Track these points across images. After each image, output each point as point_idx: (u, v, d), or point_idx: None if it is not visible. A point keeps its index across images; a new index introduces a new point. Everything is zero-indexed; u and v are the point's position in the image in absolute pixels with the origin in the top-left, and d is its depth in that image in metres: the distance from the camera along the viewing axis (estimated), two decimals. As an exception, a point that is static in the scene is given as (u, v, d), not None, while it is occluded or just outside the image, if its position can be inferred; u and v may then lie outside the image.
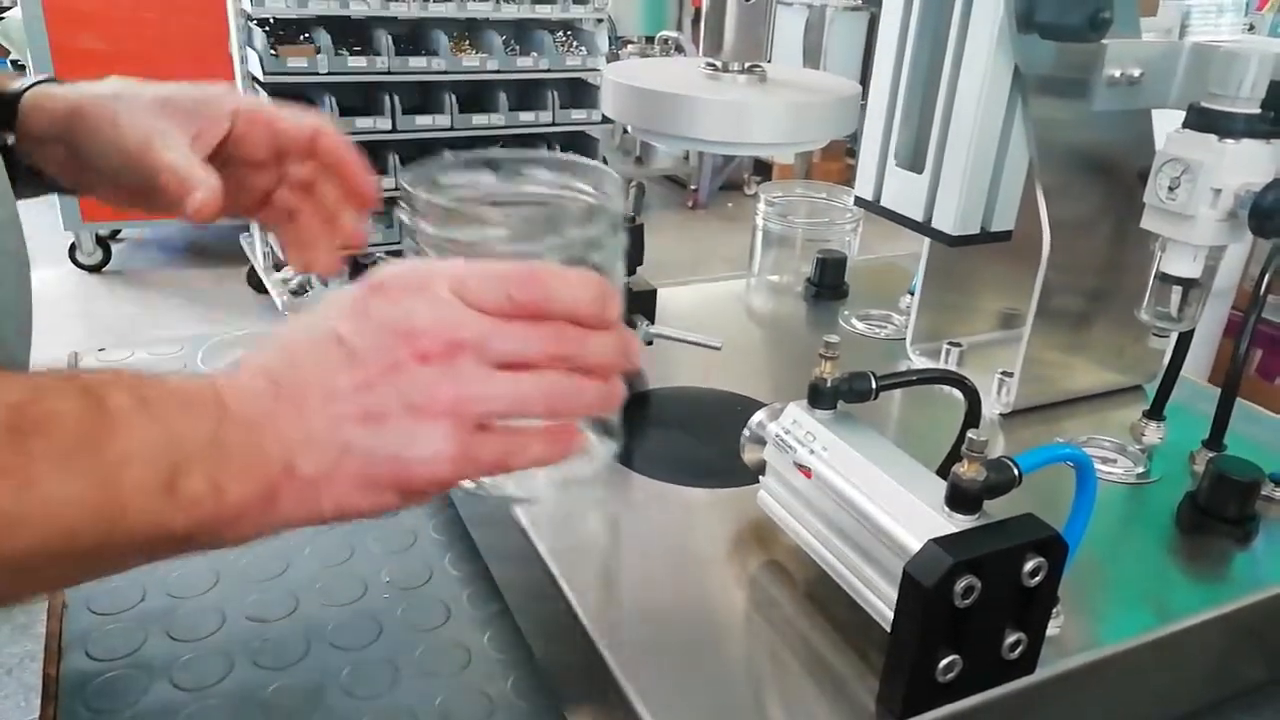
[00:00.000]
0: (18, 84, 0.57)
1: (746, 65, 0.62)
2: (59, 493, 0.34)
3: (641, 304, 0.71)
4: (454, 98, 3.13)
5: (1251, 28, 2.63)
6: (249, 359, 0.40)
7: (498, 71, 3.19)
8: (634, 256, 0.71)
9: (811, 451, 0.51)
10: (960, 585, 0.40)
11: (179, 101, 0.56)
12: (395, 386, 0.38)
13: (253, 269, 3.25)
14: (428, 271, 0.40)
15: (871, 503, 0.47)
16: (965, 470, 0.44)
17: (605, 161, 3.53)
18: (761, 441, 0.55)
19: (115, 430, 0.35)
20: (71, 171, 0.57)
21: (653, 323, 0.66)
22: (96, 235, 3.44)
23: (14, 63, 3.81)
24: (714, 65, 0.63)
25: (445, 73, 3.11)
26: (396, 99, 3.05)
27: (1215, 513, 0.59)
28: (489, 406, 0.39)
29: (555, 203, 0.54)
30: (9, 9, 3.71)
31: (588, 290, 0.41)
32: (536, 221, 0.52)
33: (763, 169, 4.85)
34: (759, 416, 0.56)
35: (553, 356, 0.40)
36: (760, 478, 0.56)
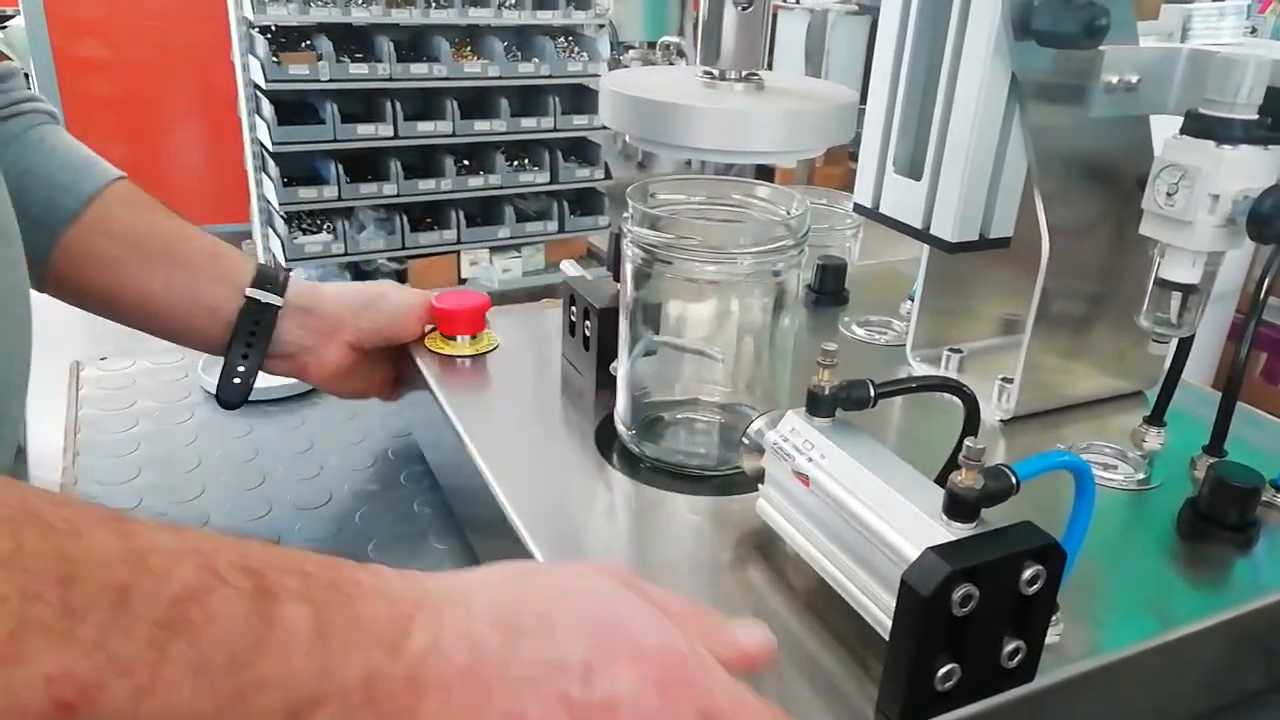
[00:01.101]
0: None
1: (744, 74, 0.62)
2: (177, 707, 0.30)
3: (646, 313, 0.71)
4: (456, 104, 3.14)
5: (1254, 30, 2.63)
6: (465, 610, 0.37)
7: (499, 77, 3.20)
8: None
9: (810, 459, 0.51)
10: (958, 594, 0.40)
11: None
12: None
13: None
14: (679, 698, 0.37)
15: (869, 511, 0.47)
16: (963, 478, 0.44)
17: (607, 166, 3.55)
18: (760, 449, 0.55)
19: (268, 651, 0.31)
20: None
21: (657, 333, 0.66)
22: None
23: (18, 71, 3.82)
24: (711, 74, 0.63)
25: (447, 79, 3.12)
26: (398, 105, 3.06)
27: (1216, 519, 0.58)
28: None
29: (749, 218, 0.64)
30: (12, 18, 3.73)
31: None
32: (731, 233, 0.61)
33: (766, 172, 4.85)
34: (757, 424, 0.56)
35: None
36: (759, 486, 0.56)
